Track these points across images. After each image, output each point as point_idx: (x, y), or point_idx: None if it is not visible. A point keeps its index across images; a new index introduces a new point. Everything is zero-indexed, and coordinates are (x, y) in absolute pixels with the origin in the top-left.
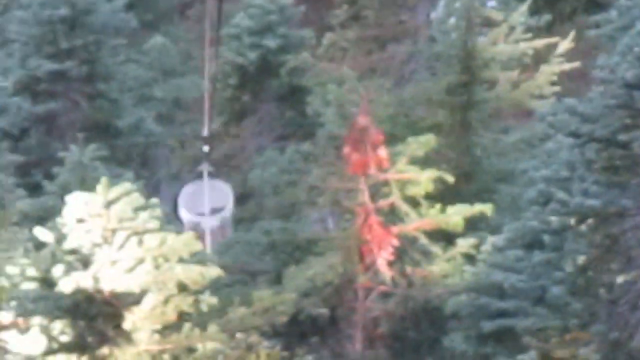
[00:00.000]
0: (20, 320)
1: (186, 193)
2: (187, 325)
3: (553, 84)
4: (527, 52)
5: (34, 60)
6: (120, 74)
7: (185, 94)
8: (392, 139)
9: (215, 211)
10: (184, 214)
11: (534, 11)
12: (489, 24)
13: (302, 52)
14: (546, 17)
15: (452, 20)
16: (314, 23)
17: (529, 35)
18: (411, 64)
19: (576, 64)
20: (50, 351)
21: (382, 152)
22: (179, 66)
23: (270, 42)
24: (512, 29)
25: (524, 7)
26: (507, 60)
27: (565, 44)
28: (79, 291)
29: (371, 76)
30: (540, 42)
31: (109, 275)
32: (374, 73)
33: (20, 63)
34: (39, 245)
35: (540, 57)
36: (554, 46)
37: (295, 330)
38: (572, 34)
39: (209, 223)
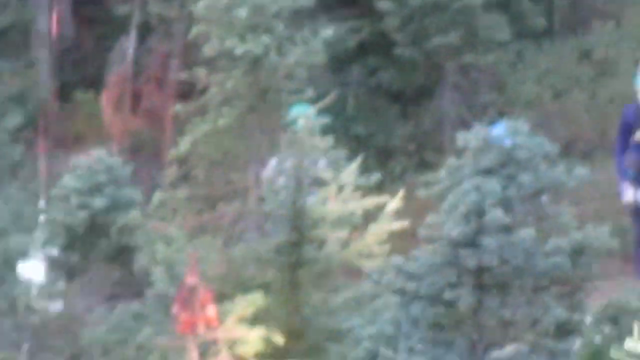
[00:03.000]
0: None
1: None
2: None
3: (382, 243)
4: (356, 212)
5: None
6: None
7: (14, 252)
8: (221, 298)
9: None
10: None
11: (363, 170)
12: (319, 183)
13: (132, 211)
14: (376, 176)
15: (282, 180)
16: (145, 183)
17: (359, 194)
18: (241, 223)
19: (405, 223)
20: None
21: (211, 311)
22: (9, 226)
23: (99, 202)
24: (341, 188)
25: (353, 166)
26: (337, 219)
27: (394, 204)
28: None
29: (201, 235)
30: (369, 202)
31: None
32: (204, 232)
33: None
34: None
35: (370, 217)
36: (383, 205)
37: None
38: (401, 193)
39: None
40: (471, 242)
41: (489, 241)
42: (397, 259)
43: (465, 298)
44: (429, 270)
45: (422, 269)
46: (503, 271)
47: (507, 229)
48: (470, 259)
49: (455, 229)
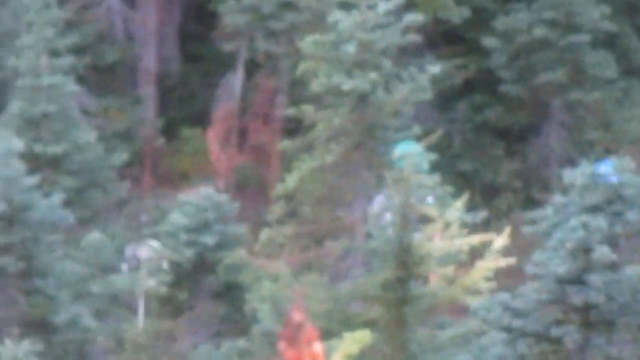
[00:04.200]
0: None
1: None
2: None
3: (488, 280)
4: (462, 248)
5: None
6: (57, 270)
7: (121, 290)
8: (327, 335)
9: None
10: None
11: (470, 207)
12: (425, 220)
13: (239, 248)
14: (482, 213)
15: (388, 217)
16: (251, 219)
17: (465, 231)
18: (347, 260)
19: (512, 260)
20: None
21: (317, 348)
22: (115, 262)
23: (207, 239)
24: (448, 225)
25: (459, 203)
26: (443, 256)
27: (500, 241)
28: None
29: (307, 272)
30: (476, 239)
31: None
32: (310, 269)
33: None
34: None
35: (476, 253)
36: (489, 242)
37: None
38: (507, 231)
39: None
40: (577, 279)
41: (596, 278)
42: (504, 296)
43: (571, 335)
44: (535, 307)
45: (528, 306)
46: (609, 308)
47: (613, 266)
48: (576, 296)
49: (561, 266)
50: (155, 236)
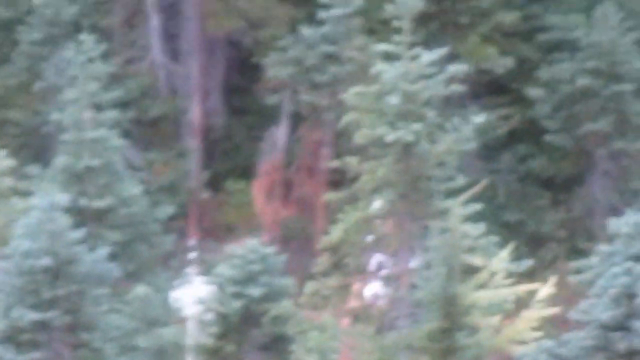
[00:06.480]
0: None
1: None
2: None
3: (534, 329)
4: (508, 298)
5: (17, 310)
6: (103, 323)
7: (168, 343)
8: None
9: None
10: None
11: (515, 257)
12: (470, 270)
13: (285, 300)
14: (527, 263)
15: (434, 268)
16: (297, 271)
17: (511, 281)
18: (393, 311)
19: (557, 310)
20: None
21: None
22: (162, 316)
23: (254, 291)
24: (493, 274)
25: (505, 253)
26: (489, 305)
27: (546, 290)
28: None
29: (354, 323)
30: (521, 288)
31: None
32: (356, 320)
33: (4, 313)
34: None
35: (522, 303)
36: (535, 292)
37: None
38: (553, 280)
39: None
40: (622, 326)
41: None
42: (549, 343)
43: None
44: (580, 354)
45: (573, 353)
46: None
47: None
48: (620, 343)
49: (605, 312)
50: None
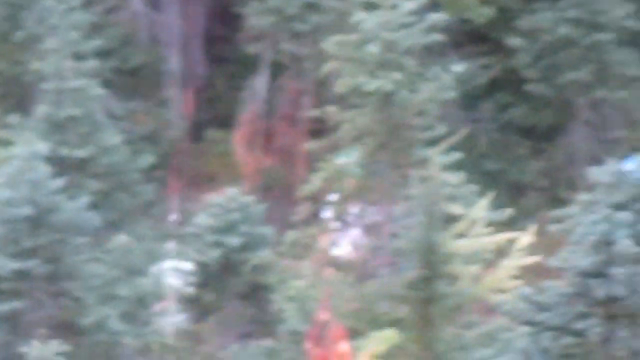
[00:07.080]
0: None
1: None
2: None
3: (515, 278)
4: (488, 247)
5: None
6: (84, 272)
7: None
8: (354, 334)
9: None
10: None
11: (495, 206)
12: (451, 219)
13: (265, 249)
14: (508, 212)
15: (414, 216)
16: (277, 221)
17: (491, 229)
18: (373, 259)
19: (538, 259)
20: None
21: (344, 347)
22: (143, 264)
23: (233, 240)
24: (473, 223)
25: (484, 202)
26: (469, 255)
27: (526, 239)
28: None
29: (333, 272)
30: (501, 237)
31: None
32: (336, 269)
33: None
34: None
35: (502, 252)
36: (515, 241)
37: None
38: (533, 229)
39: None
40: (600, 273)
41: (619, 271)
42: (527, 290)
43: (595, 329)
44: (558, 301)
45: (551, 300)
46: (633, 301)
47: (637, 260)
48: (599, 289)
49: (584, 260)
50: (182, 238)
